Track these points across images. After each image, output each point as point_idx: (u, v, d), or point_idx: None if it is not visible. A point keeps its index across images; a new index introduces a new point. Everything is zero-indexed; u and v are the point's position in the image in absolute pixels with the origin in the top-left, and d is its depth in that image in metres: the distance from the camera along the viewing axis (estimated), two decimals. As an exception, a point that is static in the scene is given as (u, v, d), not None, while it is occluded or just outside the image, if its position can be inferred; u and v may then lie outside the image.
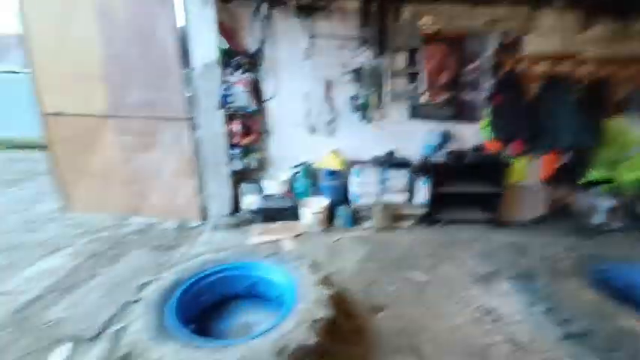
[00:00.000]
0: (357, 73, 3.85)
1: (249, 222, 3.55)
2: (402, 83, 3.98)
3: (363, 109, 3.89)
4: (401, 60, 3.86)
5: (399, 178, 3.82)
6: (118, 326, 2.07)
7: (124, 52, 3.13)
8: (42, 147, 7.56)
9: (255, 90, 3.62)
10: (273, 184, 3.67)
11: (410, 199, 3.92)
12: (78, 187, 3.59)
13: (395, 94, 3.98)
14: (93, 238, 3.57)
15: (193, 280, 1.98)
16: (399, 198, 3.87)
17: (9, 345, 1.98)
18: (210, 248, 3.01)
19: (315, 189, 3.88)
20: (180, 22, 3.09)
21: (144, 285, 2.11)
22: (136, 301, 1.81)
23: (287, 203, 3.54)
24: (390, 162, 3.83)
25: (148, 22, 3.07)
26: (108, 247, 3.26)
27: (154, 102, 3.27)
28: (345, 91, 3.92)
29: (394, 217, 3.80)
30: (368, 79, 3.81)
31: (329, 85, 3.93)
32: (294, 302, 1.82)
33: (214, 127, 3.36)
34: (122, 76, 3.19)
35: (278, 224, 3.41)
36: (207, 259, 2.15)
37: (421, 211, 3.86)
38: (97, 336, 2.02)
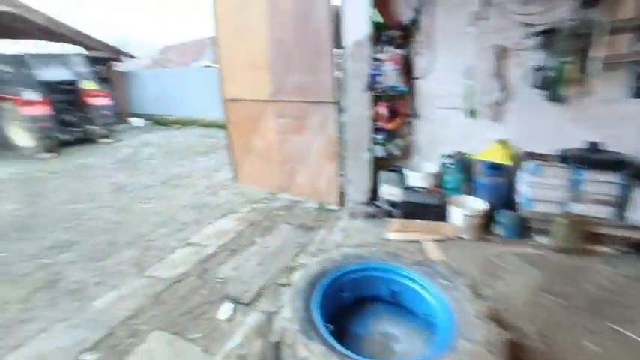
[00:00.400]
0: (548, 35, 2.85)
1: (386, 214, 3.32)
2: (624, 44, 2.71)
3: (551, 85, 2.88)
4: (630, 6, 2.59)
5: (603, 182, 2.70)
6: (268, 299, 2.26)
7: (285, 37, 3.31)
8: (222, 127, 9.60)
9: (406, 68, 3.21)
10: (418, 176, 3.26)
11: (619, 215, 2.74)
12: (244, 162, 4.22)
13: (609, 62, 2.75)
14: (252, 208, 4.18)
15: (337, 274, 1.90)
16: (600, 211, 2.76)
17: (194, 291, 2.49)
18: (347, 237, 2.96)
19: (469, 186, 3.23)
20: (335, 0, 2.99)
21: (290, 268, 2.19)
22: (285, 285, 1.87)
23: (433, 200, 3.07)
24: (590, 159, 2.74)
25: (308, 4, 3.10)
26: (262, 218, 3.71)
27: (306, 86, 3.38)
28: (524, 61, 2.99)
29: (586, 236, 2.75)
30: (565, 41, 2.75)
31: (501, 55, 3.08)
32: (450, 334, 1.46)
33: (360, 110, 3.20)
34: (282, 61, 3.42)
35: (420, 222, 3.02)
36: (351, 253, 2.03)
37: (638, 235, 2.64)
38: (251, 302, 2.27)
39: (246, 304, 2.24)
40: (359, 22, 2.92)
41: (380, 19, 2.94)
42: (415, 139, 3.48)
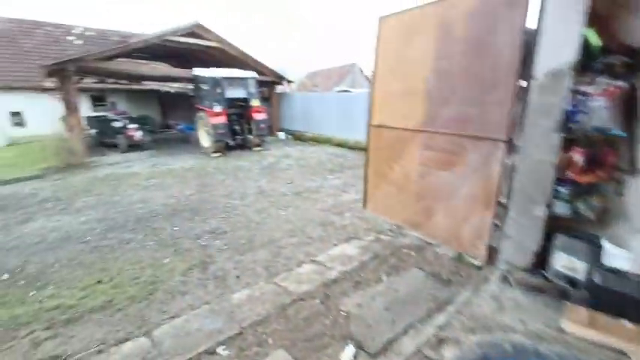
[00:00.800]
0: None
1: (560, 293, 2.47)
2: None
3: None
4: None
5: None
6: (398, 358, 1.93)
7: (451, 66, 3.02)
8: (362, 149, 9.89)
9: (626, 105, 2.37)
10: (624, 255, 2.30)
11: None
12: (377, 189, 4.06)
13: None
14: (377, 237, 3.95)
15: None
16: None
17: (316, 317, 2.40)
18: (502, 311, 2.31)
19: None
20: (529, 22, 2.51)
21: (435, 338, 1.80)
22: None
23: (652, 295, 2.08)
24: None
25: (487, 30, 2.73)
26: (389, 253, 3.42)
27: (467, 118, 2.96)
28: None
29: None
30: None
31: None
32: None
33: (541, 153, 2.54)
34: (442, 91, 3.13)
35: (629, 326, 2.07)
36: (527, 348, 1.49)
37: None
38: (377, 355, 1.99)
39: (372, 356, 1.98)
40: (562, 46, 2.35)
41: (598, 41, 2.28)
42: (624, 202, 2.51)
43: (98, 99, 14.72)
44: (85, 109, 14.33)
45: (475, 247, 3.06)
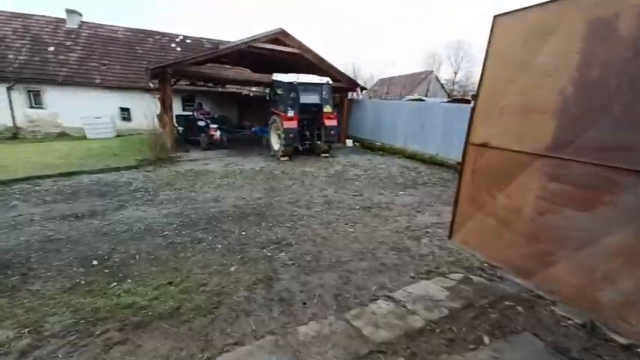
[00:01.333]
0: None
1: None
2: None
3: None
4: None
5: None
6: None
7: (608, 76, 2.27)
8: (438, 165, 9.05)
9: None
10: None
11: None
12: (469, 218, 3.41)
13: None
14: (466, 277, 3.29)
15: None
16: None
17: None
18: None
19: None
20: None
21: None
22: None
23: None
24: None
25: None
26: (487, 303, 2.77)
27: (626, 146, 2.18)
28: None
29: None
30: None
31: None
32: None
33: None
34: (588, 108, 2.38)
35: None
36: None
37: None
38: None
39: None
40: None
41: None
42: None
43: (188, 100, 16.40)
44: (177, 108, 16.13)
45: (622, 318, 2.24)
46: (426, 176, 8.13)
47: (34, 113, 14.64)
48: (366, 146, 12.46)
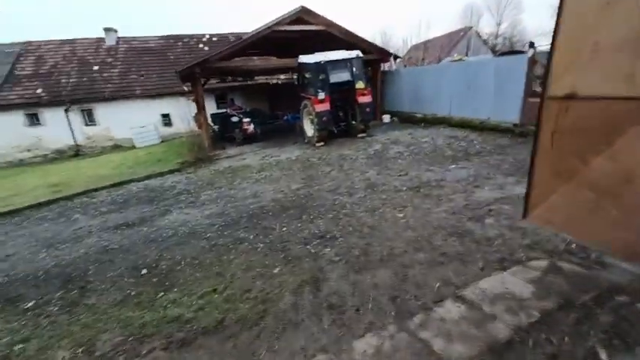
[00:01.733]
0: None
1: None
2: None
3: None
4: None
5: None
6: None
7: None
8: (492, 130, 7.99)
9: None
10: None
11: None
12: (551, 191, 2.73)
13: None
14: (552, 264, 2.66)
15: None
16: None
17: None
18: None
19: None
20: None
21: None
22: None
23: None
24: None
25: None
26: (591, 299, 2.16)
27: None
28: None
29: None
30: None
31: None
32: None
33: None
34: None
35: None
36: None
37: None
38: None
39: None
40: None
41: None
42: None
43: (221, 97, 16.65)
44: (211, 107, 16.52)
45: None
46: (479, 144, 7.20)
47: (90, 130, 15.95)
48: (406, 119, 11.55)
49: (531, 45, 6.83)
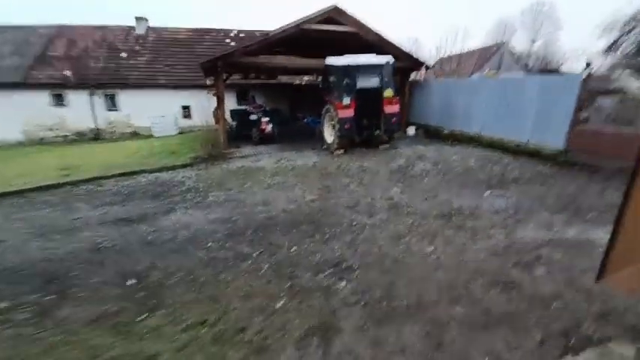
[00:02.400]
0: None
1: None
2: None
3: None
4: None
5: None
6: None
7: None
8: (530, 155, 7.02)
9: None
10: None
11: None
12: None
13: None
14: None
15: None
16: None
17: None
18: None
19: None
20: None
21: None
22: None
23: None
24: None
25: None
26: None
27: None
28: None
29: None
30: None
31: None
32: None
33: None
34: None
35: None
36: None
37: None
38: None
39: None
40: None
41: None
42: None
43: (242, 94, 16.43)
44: (232, 104, 16.34)
45: None
46: (516, 170, 6.49)
47: (111, 115, 16.02)
48: (432, 134, 10.88)
49: (588, 65, 6.09)
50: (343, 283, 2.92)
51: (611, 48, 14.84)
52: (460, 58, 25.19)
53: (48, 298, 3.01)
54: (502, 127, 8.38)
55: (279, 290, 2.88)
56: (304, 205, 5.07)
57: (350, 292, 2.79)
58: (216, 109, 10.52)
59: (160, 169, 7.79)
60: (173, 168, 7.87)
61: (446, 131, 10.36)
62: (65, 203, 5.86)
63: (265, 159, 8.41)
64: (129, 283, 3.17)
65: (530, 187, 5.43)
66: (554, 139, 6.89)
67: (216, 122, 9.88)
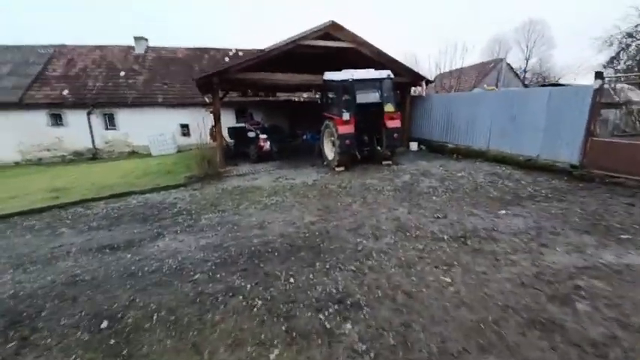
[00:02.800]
0: None
1: None
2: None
3: None
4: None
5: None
6: None
7: None
8: (541, 170, 6.55)
9: None
10: None
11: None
12: None
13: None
14: None
15: None
16: None
17: None
18: None
19: None
20: None
21: None
22: None
23: None
24: None
25: None
26: None
27: None
28: None
29: None
30: None
31: None
32: None
33: None
34: None
35: None
36: None
37: None
38: None
39: None
40: None
41: None
42: None
43: (241, 112, 16.31)
44: (231, 121, 16.19)
45: None
46: (529, 186, 6.10)
47: (109, 134, 15.85)
48: (435, 149, 10.58)
49: (599, 75, 5.83)
50: (349, 326, 2.48)
51: (612, 62, 14.80)
52: (460, 73, 25.33)
53: (7, 347, 2.58)
54: (509, 140, 8.07)
55: (273, 335, 2.44)
56: (303, 227, 4.66)
57: (358, 336, 2.35)
58: (213, 126, 10.28)
59: (153, 190, 7.43)
60: (166, 188, 7.51)
61: (450, 146, 10.06)
62: (50, 228, 5.47)
63: (263, 177, 8.06)
64: (103, 325, 2.73)
65: (549, 205, 5.03)
66: (567, 153, 6.55)
67: (213, 140, 9.61)
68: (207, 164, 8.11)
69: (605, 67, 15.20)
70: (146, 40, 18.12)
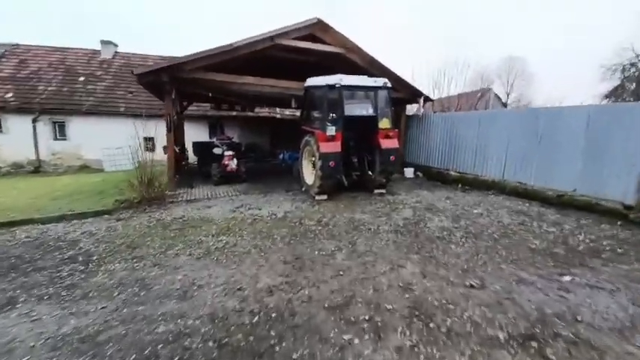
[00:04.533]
0: None
1: None
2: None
3: None
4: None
5: None
6: None
7: None
8: (578, 208, 4.93)
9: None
10: None
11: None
12: None
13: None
14: None
15: None
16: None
17: None
18: None
19: None
20: None
21: None
22: None
23: None
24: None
25: None
26: None
27: None
28: None
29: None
30: None
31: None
32: None
33: None
34: None
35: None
36: None
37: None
38: None
39: None
40: None
41: None
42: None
43: (215, 127, 14.51)
44: (204, 136, 14.35)
45: None
46: (579, 233, 4.47)
47: (58, 145, 13.61)
48: (434, 177, 9.02)
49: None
50: None
51: (616, 92, 14.18)
52: (446, 101, 24.77)
53: None
54: (533, 170, 6.55)
55: None
56: (253, 301, 2.75)
57: None
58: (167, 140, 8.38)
59: (61, 218, 5.35)
60: (83, 215, 5.45)
61: (453, 174, 8.52)
62: None
63: (220, 205, 6.12)
64: None
65: (631, 268, 3.35)
66: (617, 189, 5.04)
67: (166, 154, 7.70)
68: (147, 185, 6.12)
69: (607, 96, 14.59)
70: (115, 45, 16.40)
